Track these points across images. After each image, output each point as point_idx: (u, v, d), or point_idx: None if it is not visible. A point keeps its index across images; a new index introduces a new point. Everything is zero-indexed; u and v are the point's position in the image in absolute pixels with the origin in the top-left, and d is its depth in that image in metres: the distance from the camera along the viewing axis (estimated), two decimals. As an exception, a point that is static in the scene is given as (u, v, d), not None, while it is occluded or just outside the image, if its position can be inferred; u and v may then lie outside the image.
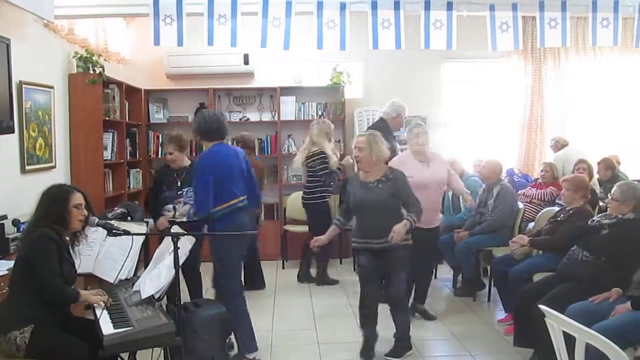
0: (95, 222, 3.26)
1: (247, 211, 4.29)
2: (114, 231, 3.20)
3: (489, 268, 5.81)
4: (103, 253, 3.81)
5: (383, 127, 5.49)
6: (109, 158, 6.40)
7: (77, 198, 3.25)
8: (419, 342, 4.63)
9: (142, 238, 3.83)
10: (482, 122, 8.15)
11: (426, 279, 5.33)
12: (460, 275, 6.07)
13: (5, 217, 4.13)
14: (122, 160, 6.71)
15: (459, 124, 8.15)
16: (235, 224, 4.09)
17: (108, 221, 3.41)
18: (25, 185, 4.73)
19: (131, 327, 2.90)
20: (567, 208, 4.77)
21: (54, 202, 3.19)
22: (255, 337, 4.23)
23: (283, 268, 7.25)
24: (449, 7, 5.25)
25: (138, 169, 7.46)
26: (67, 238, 3.26)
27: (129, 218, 5.18)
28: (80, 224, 3.27)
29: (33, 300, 3.05)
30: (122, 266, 3.38)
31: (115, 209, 5.35)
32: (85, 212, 3.27)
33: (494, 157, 6.17)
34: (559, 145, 7.29)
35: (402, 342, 4.35)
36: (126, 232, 3.22)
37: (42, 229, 3.10)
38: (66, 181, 5.60)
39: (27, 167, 4.93)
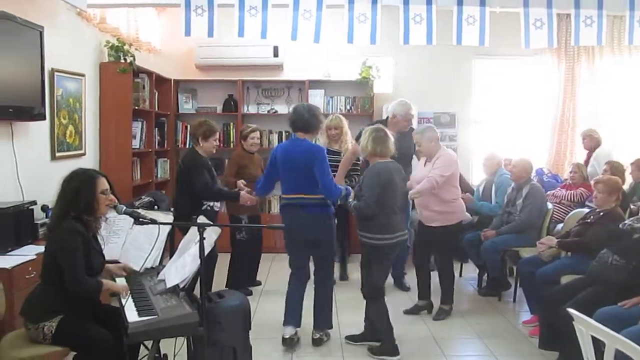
0: (123, 210, 3.27)
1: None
2: (140, 220, 3.21)
3: (515, 268, 5.74)
4: (129, 241, 3.84)
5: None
6: (138, 147, 6.46)
7: (103, 183, 3.25)
8: (442, 341, 4.60)
9: (168, 227, 3.85)
10: (513, 120, 8.02)
11: (424, 275, 5.26)
12: (486, 275, 6.00)
13: (34, 202, 4.18)
14: (150, 150, 6.78)
15: (489, 121, 8.04)
16: (285, 218, 4.49)
17: (135, 210, 3.42)
18: (55, 171, 4.75)
19: (155, 316, 2.91)
20: (598, 210, 4.67)
21: (81, 189, 3.17)
22: (292, 314, 4.48)
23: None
24: (482, 2, 5.16)
25: (166, 159, 7.53)
26: (94, 225, 3.27)
27: (156, 207, 5.24)
28: (107, 209, 3.28)
29: (63, 292, 3.08)
30: (149, 255, 3.39)
31: (143, 197, 5.42)
32: (112, 196, 3.28)
33: (524, 156, 6.07)
34: (595, 141, 6.99)
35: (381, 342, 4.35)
36: (153, 221, 3.23)
37: (68, 222, 3.11)
38: (95, 169, 5.66)
39: (57, 154, 5.00)
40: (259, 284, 6.01)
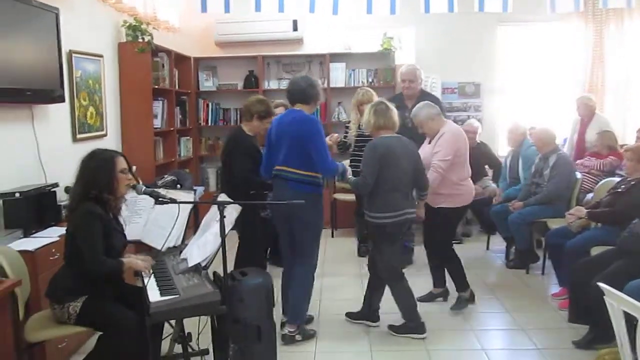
0: (142, 190, 3.26)
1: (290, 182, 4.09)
2: (160, 199, 3.19)
3: (543, 240, 5.64)
4: (151, 221, 3.83)
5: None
6: (159, 126, 6.45)
7: (122, 162, 3.25)
8: (470, 315, 4.55)
9: (189, 206, 3.82)
10: (539, 88, 7.82)
11: (434, 260, 4.90)
12: (513, 247, 5.91)
13: (56, 184, 4.19)
14: (172, 128, 6.76)
15: (514, 90, 7.85)
16: (273, 192, 4.25)
17: (155, 189, 3.40)
18: (77, 153, 4.70)
19: (177, 295, 2.90)
20: (629, 179, 4.54)
21: (101, 168, 3.17)
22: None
23: (332, 236, 7.24)
24: (505, -34, 5.01)
25: (188, 137, 7.52)
26: (114, 205, 3.27)
27: (179, 186, 5.23)
28: (127, 188, 3.28)
29: (86, 273, 3.09)
30: (169, 234, 3.37)
31: (165, 176, 5.43)
32: (130, 176, 3.27)
33: (545, 125, 5.90)
34: (590, 109, 6.58)
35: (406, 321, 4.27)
36: (172, 201, 3.20)
37: (87, 204, 3.11)
38: (117, 149, 5.64)
39: (79, 136, 5.00)
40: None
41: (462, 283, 4.74)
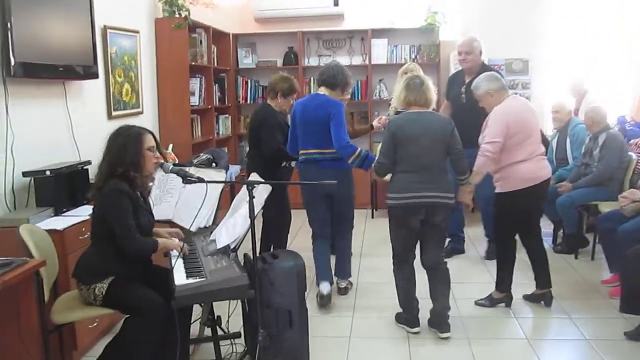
0: (169, 168, 3.17)
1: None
2: (188, 178, 3.09)
3: (593, 224, 5.36)
4: (182, 200, 3.76)
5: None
6: (197, 104, 6.37)
7: (149, 140, 3.15)
8: (514, 302, 4.31)
9: (220, 185, 3.73)
10: (593, 64, 7.35)
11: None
12: (562, 231, 5.64)
13: (89, 162, 4.12)
14: (210, 106, 6.68)
15: (565, 65, 7.41)
16: (301, 174, 4.50)
17: (182, 168, 3.30)
18: (112, 130, 4.74)
19: (203, 279, 2.81)
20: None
21: (127, 145, 3.08)
22: (325, 272, 4.46)
23: (372, 217, 7.13)
24: None
25: (227, 115, 7.44)
26: (141, 184, 3.17)
27: (214, 164, 5.13)
28: (155, 166, 3.18)
29: (114, 254, 3.02)
30: (197, 213, 3.28)
31: (201, 155, 5.31)
32: (158, 154, 3.18)
33: (595, 104, 5.56)
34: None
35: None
36: (200, 180, 3.10)
37: (114, 182, 3.02)
38: (154, 127, 5.62)
39: (114, 113, 4.96)
40: None
41: (502, 283, 4.28)
